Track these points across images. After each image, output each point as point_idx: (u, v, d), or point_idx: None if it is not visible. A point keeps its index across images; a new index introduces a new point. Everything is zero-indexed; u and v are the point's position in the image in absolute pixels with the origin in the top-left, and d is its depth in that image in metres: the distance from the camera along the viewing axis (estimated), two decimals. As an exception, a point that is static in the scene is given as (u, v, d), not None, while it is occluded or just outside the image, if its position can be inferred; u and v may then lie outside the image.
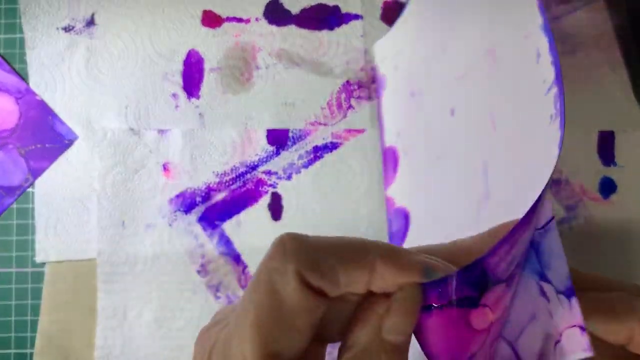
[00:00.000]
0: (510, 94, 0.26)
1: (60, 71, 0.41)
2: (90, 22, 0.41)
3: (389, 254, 0.17)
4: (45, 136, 0.41)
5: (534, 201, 0.19)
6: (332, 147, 0.41)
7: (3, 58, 0.41)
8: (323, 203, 0.40)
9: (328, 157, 0.41)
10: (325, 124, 0.41)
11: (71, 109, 0.41)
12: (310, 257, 0.16)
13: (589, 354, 0.18)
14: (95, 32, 0.41)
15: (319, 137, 0.41)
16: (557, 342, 0.19)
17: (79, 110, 0.41)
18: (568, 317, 0.19)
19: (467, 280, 0.17)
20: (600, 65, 0.39)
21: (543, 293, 0.21)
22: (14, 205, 0.41)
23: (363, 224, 0.40)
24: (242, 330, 0.16)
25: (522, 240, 0.19)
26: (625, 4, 0.36)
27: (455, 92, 0.34)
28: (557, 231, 0.21)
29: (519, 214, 0.19)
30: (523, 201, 0.20)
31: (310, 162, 0.41)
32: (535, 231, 0.21)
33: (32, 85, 0.41)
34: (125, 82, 0.41)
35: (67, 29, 0.41)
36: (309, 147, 0.41)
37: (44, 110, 0.41)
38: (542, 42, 0.24)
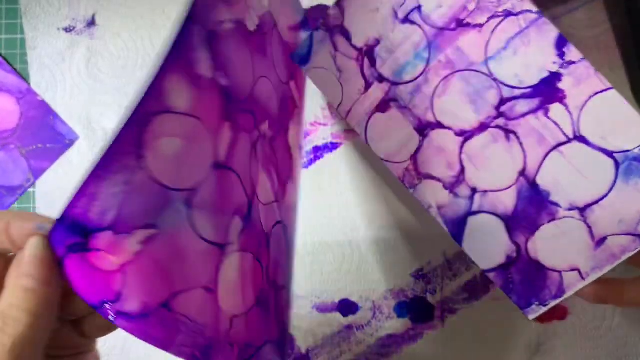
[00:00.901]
0: None
1: (61, 71, 0.41)
2: (91, 23, 0.41)
3: (20, 213, 0.22)
4: (46, 136, 0.41)
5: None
6: (332, 147, 0.41)
7: (4, 58, 0.41)
8: (322, 202, 0.41)
9: (328, 157, 0.41)
10: (325, 125, 0.41)
11: (72, 109, 0.41)
12: None
13: None
14: (95, 32, 0.41)
15: (319, 137, 0.41)
16: None
17: (79, 110, 0.41)
18: None
19: (63, 229, 0.20)
20: (600, 65, 0.39)
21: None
22: (15, 205, 0.41)
23: (364, 222, 0.40)
24: None
25: (106, 195, 0.21)
26: (625, 4, 0.36)
27: None
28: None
29: None
30: None
31: (310, 162, 0.41)
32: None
33: (33, 85, 0.41)
34: (126, 82, 0.41)
35: (68, 30, 0.41)
36: (309, 147, 0.41)
37: (45, 110, 0.41)
38: None
